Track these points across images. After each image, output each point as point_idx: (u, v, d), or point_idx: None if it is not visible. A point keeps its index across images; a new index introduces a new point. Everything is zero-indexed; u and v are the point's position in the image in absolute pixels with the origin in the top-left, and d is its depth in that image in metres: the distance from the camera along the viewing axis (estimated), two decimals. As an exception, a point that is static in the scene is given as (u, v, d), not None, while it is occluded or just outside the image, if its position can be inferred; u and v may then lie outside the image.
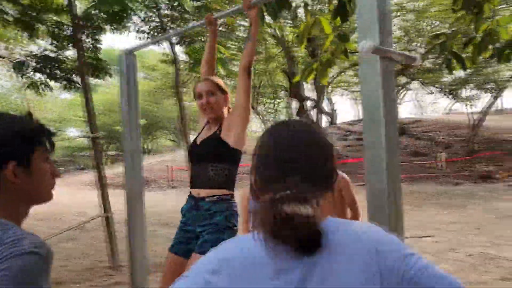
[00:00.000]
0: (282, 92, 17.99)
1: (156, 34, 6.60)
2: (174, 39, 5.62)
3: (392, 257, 0.89)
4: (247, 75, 2.40)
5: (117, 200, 6.08)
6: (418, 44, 14.86)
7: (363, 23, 1.72)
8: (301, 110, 15.10)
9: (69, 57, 7.06)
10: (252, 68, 2.46)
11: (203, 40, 5.46)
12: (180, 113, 5.42)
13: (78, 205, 13.23)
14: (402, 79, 20.97)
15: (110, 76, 7.20)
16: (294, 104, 17.92)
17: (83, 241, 7.89)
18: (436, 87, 16.91)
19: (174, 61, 5.44)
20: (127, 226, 3.03)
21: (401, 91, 24.55)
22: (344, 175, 3.16)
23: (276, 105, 16.48)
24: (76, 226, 6.84)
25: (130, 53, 3.05)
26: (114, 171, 18.40)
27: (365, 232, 0.94)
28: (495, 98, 16.28)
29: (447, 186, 12.17)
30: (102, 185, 6.01)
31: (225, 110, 2.56)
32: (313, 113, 17.38)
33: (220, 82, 2.59)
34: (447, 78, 16.39)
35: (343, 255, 0.89)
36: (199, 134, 2.68)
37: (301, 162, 0.95)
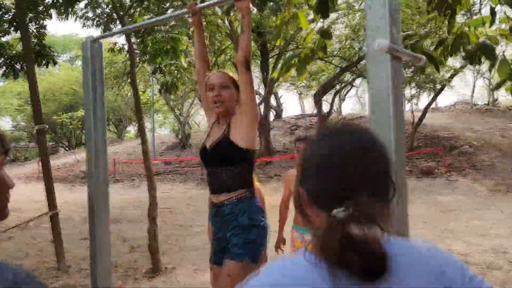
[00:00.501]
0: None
1: (105, 21, 6.25)
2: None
3: (458, 278, 0.85)
4: (246, 69, 2.28)
5: (57, 195, 5.75)
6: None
7: (373, 20, 1.63)
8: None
9: (11, 42, 6.54)
10: (250, 61, 2.33)
11: (164, 29, 5.20)
12: (135, 105, 5.13)
13: (12, 200, 12.40)
14: (347, 76, 21.50)
15: (55, 64, 6.74)
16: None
17: (24, 240, 7.38)
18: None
19: (130, 51, 5.13)
20: (90, 224, 2.83)
21: (344, 87, 25.19)
22: None
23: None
24: (22, 223, 6.36)
25: (95, 41, 2.81)
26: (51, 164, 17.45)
27: (427, 252, 0.87)
28: (435, 96, 17.02)
29: (392, 181, 12.56)
30: (48, 180, 5.61)
31: (236, 108, 2.44)
32: (261, 107, 17.38)
33: (235, 76, 2.46)
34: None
35: (408, 278, 0.81)
36: (208, 135, 2.55)
37: (369, 175, 0.83)
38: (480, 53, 3.11)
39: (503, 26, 3.20)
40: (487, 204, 9.94)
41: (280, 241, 3.57)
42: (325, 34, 2.73)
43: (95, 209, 2.82)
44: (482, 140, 16.28)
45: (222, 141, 2.36)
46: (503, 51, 2.96)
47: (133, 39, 5.51)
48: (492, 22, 3.01)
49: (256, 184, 3.58)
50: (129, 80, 16.61)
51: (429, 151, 15.58)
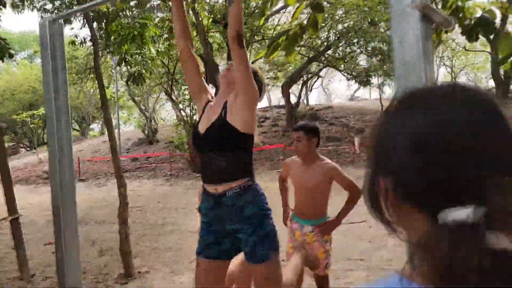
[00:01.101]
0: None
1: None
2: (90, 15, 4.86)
3: None
4: (239, 45, 1.99)
5: (19, 197, 5.29)
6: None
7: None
8: (219, 96, 14.65)
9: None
10: (243, 36, 2.02)
11: (130, 15, 4.78)
12: (101, 98, 4.72)
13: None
14: (313, 66, 21.43)
15: (11, 56, 6.22)
16: (211, 90, 17.43)
17: (-20, 248, 6.82)
18: (351, 74, 17.43)
19: (92, 39, 4.71)
20: (56, 228, 2.48)
21: (311, 78, 25.14)
22: (333, 163, 3.14)
23: (192, 92, 15.86)
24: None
25: (55, 21, 2.43)
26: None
27: None
28: (402, 84, 17.11)
29: (364, 169, 12.52)
30: (8, 183, 5.14)
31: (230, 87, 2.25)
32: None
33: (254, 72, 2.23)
34: (360, 66, 17.01)
35: None
36: (200, 118, 2.27)
37: (502, 158, 0.55)
38: (479, 28, 2.92)
39: (500, -1, 3.00)
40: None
41: (287, 218, 3.36)
42: (317, 7, 2.44)
43: (61, 211, 2.47)
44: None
45: (218, 123, 2.12)
46: (505, 25, 2.76)
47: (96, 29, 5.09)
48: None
49: None
50: (91, 75, 15.99)
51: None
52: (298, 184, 3.15)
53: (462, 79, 35.49)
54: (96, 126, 36.68)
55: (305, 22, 2.64)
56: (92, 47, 11.35)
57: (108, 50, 5.81)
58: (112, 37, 4.81)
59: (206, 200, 2.20)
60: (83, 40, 7.49)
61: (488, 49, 23.96)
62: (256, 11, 14.56)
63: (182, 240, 6.70)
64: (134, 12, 4.87)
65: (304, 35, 2.64)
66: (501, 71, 17.27)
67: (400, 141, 0.58)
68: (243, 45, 2.01)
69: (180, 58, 2.40)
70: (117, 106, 23.16)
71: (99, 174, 16.87)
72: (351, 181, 3.10)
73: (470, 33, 2.92)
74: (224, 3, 13.72)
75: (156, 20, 5.32)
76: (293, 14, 2.64)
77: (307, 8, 2.81)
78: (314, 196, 3.07)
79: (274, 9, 15.03)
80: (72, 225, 2.52)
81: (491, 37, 2.85)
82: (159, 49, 6.01)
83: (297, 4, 2.51)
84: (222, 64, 17.01)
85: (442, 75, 36.83)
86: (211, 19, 14.29)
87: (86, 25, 7.18)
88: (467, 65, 32.97)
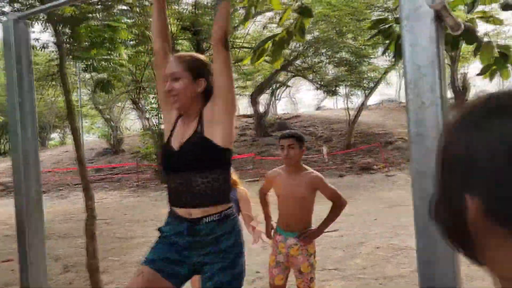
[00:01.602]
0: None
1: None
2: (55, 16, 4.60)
3: None
4: (224, 47, 1.82)
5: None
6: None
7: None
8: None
9: None
10: (229, 38, 1.88)
11: (100, 16, 4.54)
12: (67, 106, 4.47)
13: None
14: (282, 75, 21.50)
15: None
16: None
17: None
18: (319, 84, 17.57)
19: (58, 43, 4.46)
20: (20, 245, 2.26)
21: (280, 87, 25.22)
22: (317, 173, 3.11)
23: (159, 101, 15.60)
24: None
25: (19, 20, 2.23)
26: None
27: None
28: (368, 95, 17.41)
29: (333, 178, 12.60)
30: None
31: (198, 98, 1.95)
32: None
33: (193, 60, 1.97)
34: (329, 76, 17.17)
35: None
36: (171, 134, 2.02)
37: None
38: (462, 37, 2.90)
39: (481, 8, 2.99)
40: (427, 198, 10.13)
41: (271, 230, 3.26)
42: (306, 12, 2.34)
43: (26, 226, 2.25)
44: (413, 136, 16.87)
45: (194, 138, 1.88)
46: (487, 34, 2.74)
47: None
48: (474, 3, 2.80)
49: (241, 187, 3.21)
50: (53, 83, 15.42)
51: (365, 148, 15.88)
52: (283, 195, 3.06)
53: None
54: (57, 135, 35.51)
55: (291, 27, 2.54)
56: (54, 52, 10.91)
57: (72, 55, 5.54)
58: (80, 40, 4.57)
59: (173, 223, 1.94)
60: (44, 44, 7.15)
61: (447, 61, 24.80)
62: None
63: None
64: (104, 14, 4.63)
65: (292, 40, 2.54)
66: (459, 82, 17.84)
67: (494, 152, 0.47)
68: (228, 47, 1.87)
69: (154, 60, 2.21)
70: (80, 115, 22.48)
71: (61, 186, 16.25)
72: (335, 190, 3.07)
73: (455, 43, 2.89)
74: (193, 10, 13.56)
75: (126, 25, 5.09)
76: (280, 19, 2.54)
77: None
78: (299, 207, 3.00)
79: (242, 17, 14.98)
80: (39, 243, 2.31)
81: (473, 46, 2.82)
82: (130, 56, 5.79)
83: (284, 10, 2.41)
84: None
85: (402, 85, 37.80)
86: (180, 26, 14.08)
87: (48, 28, 6.89)
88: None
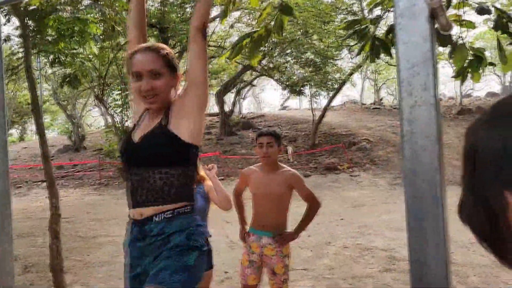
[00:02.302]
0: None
1: None
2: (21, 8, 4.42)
3: None
4: (202, 37, 1.72)
5: None
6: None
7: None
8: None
9: None
10: (208, 28, 1.81)
11: (70, 9, 4.36)
12: (32, 100, 4.31)
13: None
14: (247, 74, 21.51)
15: None
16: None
17: None
18: (285, 84, 17.66)
19: (24, 35, 4.28)
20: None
21: (245, 87, 25.22)
22: (295, 171, 3.08)
23: (124, 98, 15.25)
24: None
25: (-13, 6, 2.11)
26: None
27: None
28: (334, 94, 17.64)
29: (299, 178, 12.67)
30: None
31: (172, 93, 1.82)
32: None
33: (170, 53, 1.82)
34: (294, 76, 17.28)
35: None
36: (134, 126, 1.89)
37: None
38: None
39: (454, 11, 3.08)
40: (391, 198, 10.38)
41: (244, 234, 3.15)
42: (286, 9, 2.33)
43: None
44: (376, 137, 17.24)
45: (158, 131, 1.73)
46: (460, 37, 2.82)
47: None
48: (447, 6, 2.87)
49: (208, 182, 2.97)
50: (13, 77, 14.83)
51: (330, 148, 16.10)
52: (258, 193, 3.02)
53: (383, 92, 37.50)
54: (15, 131, 34.22)
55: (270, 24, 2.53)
56: (16, 46, 10.50)
57: (38, 48, 5.33)
58: (47, 33, 4.38)
59: (130, 230, 1.77)
60: (6, 37, 6.90)
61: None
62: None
63: (117, 253, 6.28)
64: (71, 8, 4.46)
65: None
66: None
67: None
68: (206, 36, 1.76)
69: (129, 49, 1.97)
70: (41, 110, 21.73)
71: (20, 183, 15.65)
72: (311, 192, 3.05)
73: (444, 40, 2.95)
74: (160, 7, 13.36)
75: (95, 19, 4.91)
76: (259, 16, 2.52)
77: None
78: (276, 205, 2.97)
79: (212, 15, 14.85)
80: (7, 242, 2.19)
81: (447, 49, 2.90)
82: (96, 51, 5.62)
83: (267, 6, 2.40)
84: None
85: (366, 88, 38.61)
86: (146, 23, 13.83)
87: (11, 21, 6.63)
88: (388, 79, 34.87)
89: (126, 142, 1.83)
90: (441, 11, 1.26)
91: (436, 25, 1.43)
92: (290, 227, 3.11)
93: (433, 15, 1.28)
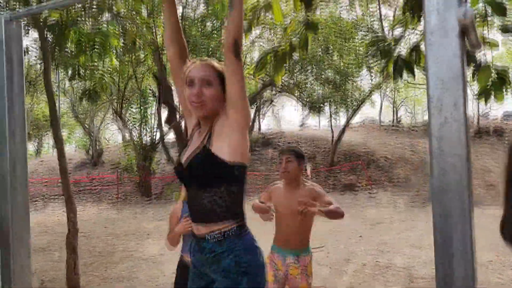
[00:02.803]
0: (151, 98, 16.98)
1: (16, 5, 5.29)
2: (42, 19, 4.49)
3: None
4: (236, 56, 1.70)
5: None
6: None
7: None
8: (171, 118, 14.29)
9: None
10: (242, 46, 1.79)
11: (91, 22, 4.42)
12: (51, 113, 4.37)
13: None
14: (267, 92, 21.56)
15: None
16: (164, 111, 17.08)
17: None
18: (305, 101, 17.66)
19: (43, 47, 4.36)
20: (3, 263, 2.13)
21: (264, 104, 25.28)
22: (316, 184, 3.13)
23: (143, 112, 15.41)
24: None
25: (12, 20, 2.14)
26: None
27: None
28: (353, 114, 17.55)
29: (317, 196, 12.57)
30: None
31: (220, 107, 1.82)
32: (183, 122, 16.73)
33: (221, 68, 1.83)
34: (315, 94, 17.26)
35: None
36: (187, 144, 1.92)
37: None
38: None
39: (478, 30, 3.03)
40: (410, 216, 10.21)
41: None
42: (312, 26, 2.31)
43: (11, 242, 2.12)
44: (395, 156, 17.04)
45: (200, 154, 1.77)
46: (484, 56, 2.77)
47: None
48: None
49: None
50: (30, 89, 15.11)
51: (350, 166, 15.95)
52: (282, 210, 3.03)
53: (401, 111, 37.18)
54: (31, 146, 34.74)
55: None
56: (34, 58, 10.65)
57: (57, 61, 5.41)
58: (68, 46, 4.44)
59: (191, 239, 1.93)
60: (25, 49, 7.04)
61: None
62: (214, 32, 14.49)
63: (136, 269, 6.27)
64: (92, 20, 4.52)
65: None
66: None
67: None
68: (240, 56, 1.74)
69: (170, 66, 2.04)
70: (59, 124, 22.04)
71: (36, 197, 15.84)
72: (330, 200, 3.01)
73: (471, 58, 2.90)
74: (180, 22, 13.52)
75: (116, 32, 4.97)
76: (285, 31, 2.51)
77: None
78: (298, 222, 2.93)
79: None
80: (24, 255, 2.18)
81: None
82: (116, 66, 5.69)
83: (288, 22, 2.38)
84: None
85: (384, 107, 38.34)
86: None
87: (30, 33, 6.69)
88: (406, 97, 34.53)
89: (178, 163, 1.89)
90: (472, 28, 1.23)
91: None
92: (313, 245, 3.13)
93: (464, 33, 1.25)
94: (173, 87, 15.01)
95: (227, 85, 1.77)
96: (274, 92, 20.78)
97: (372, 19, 16.11)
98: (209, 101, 1.78)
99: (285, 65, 2.46)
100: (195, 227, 1.84)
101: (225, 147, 1.74)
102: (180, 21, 2.04)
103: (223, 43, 1.82)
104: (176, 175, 1.93)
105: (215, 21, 14.97)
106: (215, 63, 1.87)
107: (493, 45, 2.85)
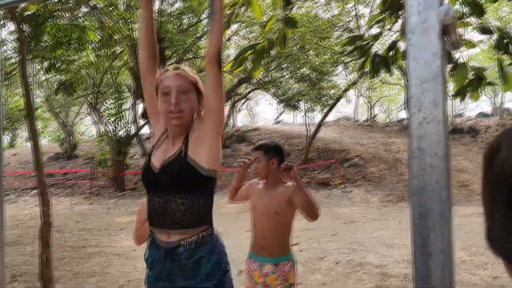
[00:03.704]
0: (126, 92, 16.75)
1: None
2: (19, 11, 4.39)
3: None
4: (217, 66, 1.72)
5: None
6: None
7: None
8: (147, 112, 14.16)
9: None
10: (222, 56, 1.80)
11: (67, 17, 4.33)
12: (27, 105, 4.27)
13: None
14: (241, 88, 21.55)
15: None
16: (140, 105, 16.88)
17: None
18: (281, 98, 17.75)
19: (20, 39, 4.25)
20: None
21: (240, 100, 25.26)
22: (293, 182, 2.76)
23: (119, 106, 15.18)
24: None
25: (-10, 9, 2.09)
26: None
27: None
28: (329, 110, 17.72)
29: (291, 192, 12.66)
30: None
31: (195, 117, 1.86)
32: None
33: (197, 77, 1.87)
34: (290, 90, 17.38)
35: None
36: (153, 148, 1.91)
37: None
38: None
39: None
40: (383, 215, 10.38)
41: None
42: (291, 22, 2.33)
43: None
44: (369, 154, 17.28)
45: (177, 160, 1.79)
46: (460, 56, 2.84)
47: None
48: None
49: None
50: (5, 83, 14.74)
51: (323, 164, 16.11)
52: (258, 211, 2.81)
53: (376, 110, 37.75)
54: (5, 138, 33.92)
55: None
56: (9, 51, 10.43)
57: (34, 54, 5.29)
58: (44, 39, 4.34)
59: (154, 248, 1.84)
60: (1, 42, 6.88)
61: (402, 82, 25.78)
62: (190, 28, 14.40)
63: (108, 264, 6.20)
64: (70, 15, 4.42)
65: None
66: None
67: None
68: (221, 65, 1.76)
69: (141, 69, 2.02)
70: (33, 117, 21.54)
71: (8, 191, 15.46)
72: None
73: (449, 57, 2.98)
74: (157, 18, 13.38)
75: (93, 26, 4.89)
76: (264, 27, 2.52)
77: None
78: (275, 224, 2.72)
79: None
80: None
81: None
82: (94, 58, 5.59)
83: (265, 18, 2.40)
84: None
85: (360, 105, 38.84)
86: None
87: (6, 25, 6.57)
88: (382, 96, 35.07)
89: (147, 168, 1.87)
90: (453, 28, 1.26)
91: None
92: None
93: (445, 32, 1.28)
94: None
95: (207, 94, 1.77)
96: (249, 88, 20.81)
97: (348, 18, 16.31)
98: (188, 111, 1.80)
99: (262, 61, 2.47)
100: (163, 234, 1.79)
101: (203, 155, 1.77)
102: (155, 17, 2.03)
103: (205, 54, 1.82)
104: (143, 180, 1.88)
105: (191, 16, 14.88)
106: (189, 71, 1.87)
107: (470, 45, 2.93)
